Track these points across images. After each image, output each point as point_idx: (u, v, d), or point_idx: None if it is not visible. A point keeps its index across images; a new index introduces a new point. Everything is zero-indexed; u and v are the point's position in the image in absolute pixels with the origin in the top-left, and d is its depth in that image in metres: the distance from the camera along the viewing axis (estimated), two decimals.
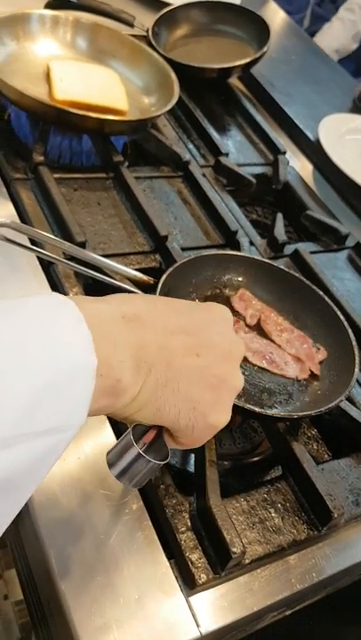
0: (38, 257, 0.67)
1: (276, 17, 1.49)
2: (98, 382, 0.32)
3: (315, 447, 0.63)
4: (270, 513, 0.54)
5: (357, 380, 0.67)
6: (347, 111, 1.20)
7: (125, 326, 0.36)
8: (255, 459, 0.62)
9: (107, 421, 0.56)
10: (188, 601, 0.48)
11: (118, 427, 0.56)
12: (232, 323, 0.45)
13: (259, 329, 0.68)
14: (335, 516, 0.53)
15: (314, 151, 1.05)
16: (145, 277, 0.66)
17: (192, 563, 0.49)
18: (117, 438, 0.55)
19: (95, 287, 0.66)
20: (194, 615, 0.48)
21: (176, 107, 0.98)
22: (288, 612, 0.61)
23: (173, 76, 0.91)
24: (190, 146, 0.94)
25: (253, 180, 0.89)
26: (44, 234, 0.67)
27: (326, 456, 0.63)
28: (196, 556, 0.50)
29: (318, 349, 0.67)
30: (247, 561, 0.51)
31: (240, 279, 0.72)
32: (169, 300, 0.43)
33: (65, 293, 0.64)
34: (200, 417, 0.39)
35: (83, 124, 0.79)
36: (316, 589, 0.57)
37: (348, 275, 0.85)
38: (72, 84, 0.86)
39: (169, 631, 0.46)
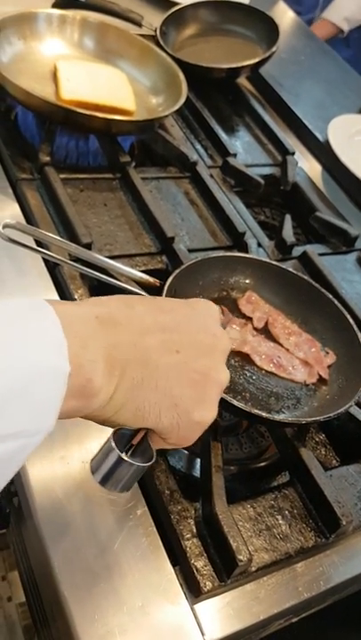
0: (44, 258, 0.66)
1: (286, 17, 1.48)
2: (67, 382, 0.32)
3: (323, 452, 0.62)
4: (277, 520, 0.53)
5: None
6: (357, 112, 1.19)
7: (98, 327, 0.36)
8: (262, 464, 0.61)
9: None
10: (193, 609, 0.47)
11: None
12: (217, 316, 0.44)
13: (266, 332, 0.67)
14: (343, 523, 0.52)
15: (323, 152, 1.04)
16: (151, 279, 0.65)
17: (197, 570, 0.48)
18: None
19: (101, 289, 0.65)
20: (199, 623, 0.47)
21: (184, 107, 0.97)
22: (294, 620, 0.60)
23: (181, 75, 0.90)
24: (198, 146, 0.94)
25: (262, 181, 0.88)
26: (50, 235, 0.66)
27: (335, 462, 0.62)
28: (201, 564, 0.49)
29: (327, 353, 0.66)
30: (253, 568, 0.50)
31: (247, 281, 0.71)
32: (150, 299, 0.43)
33: (70, 295, 0.63)
34: (183, 414, 0.39)
35: (90, 124, 0.78)
36: (324, 597, 0.56)
37: (357, 277, 0.84)
38: (79, 84, 0.85)
39: (173, 639, 0.46)
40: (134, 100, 0.86)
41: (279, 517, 0.53)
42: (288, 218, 0.85)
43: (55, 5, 1.01)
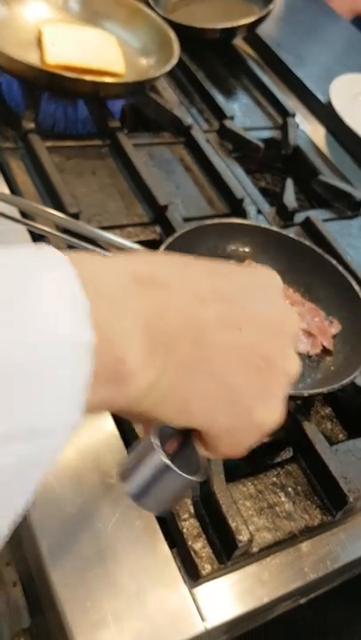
0: (29, 230, 0.63)
1: None
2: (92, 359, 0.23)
3: (329, 427, 0.59)
4: (280, 497, 0.50)
5: None
6: (359, 71, 1.13)
7: (136, 288, 0.26)
8: (264, 440, 0.58)
9: None
10: (191, 593, 0.45)
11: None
12: (282, 288, 0.34)
13: None
14: (350, 500, 0.49)
15: (326, 114, 0.99)
16: (142, 249, 0.61)
17: (195, 552, 0.46)
18: (117, 424, 0.52)
19: None
20: (198, 608, 0.45)
21: (177, 70, 0.92)
22: (302, 601, 0.57)
23: (173, 35, 0.85)
24: (193, 110, 0.89)
25: (261, 145, 0.84)
26: (35, 205, 0.63)
27: (341, 436, 0.58)
28: (199, 545, 0.46)
29: (331, 322, 0.63)
30: (255, 549, 0.47)
31: (246, 249, 0.67)
32: (199, 259, 0.33)
33: None
34: (244, 413, 0.29)
35: (77, 88, 0.74)
36: (332, 578, 0.53)
37: None
38: (65, 48, 0.81)
39: (171, 626, 0.43)
40: (124, 62, 0.82)
41: (282, 495, 0.50)
42: (290, 182, 0.81)
43: None
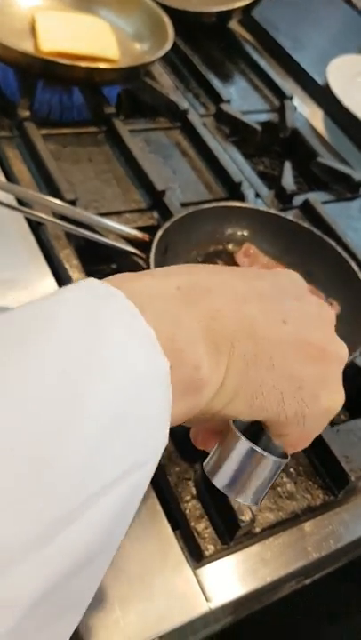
0: (27, 218, 0.63)
1: None
2: (170, 381, 0.24)
3: None
4: (282, 478, 0.50)
5: None
6: (357, 53, 1.12)
7: (184, 297, 0.27)
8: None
9: None
10: (195, 574, 0.45)
11: None
12: (305, 284, 0.35)
13: None
14: (352, 479, 0.49)
15: (323, 96, 0.98)
16: (140, 234, 0.61)
17: (198, 533, 0.46)
18: None
19: (88, 249, 0.62)
20: (202, 589, 0.45)
21: (173, 54, 0.92)
22: (307, 582, 0.58)
23: (167, 19, 0.84)
24: (189, 95, 0.88)
25: (259, 128, 0.83)
26: (32, 192, 0.63)
27: (343, 417, 0.58)
28: (202, 526, 0.46)
29: (331, 304, 0.62)
30: (258, 529, 0.47)
31: (245, 233, 0.67)
32: (228, 267, 0.34)
33: (56, 255, 0.60)
34: (310, 400, 0.30)
35: (71, 74, 0.74)
36: (336, 557, 0.53)
37: None
38: (59, 35, 0.80)
39: (176, 607, 0.44)
40: (118, 48, 0.81)
41: (283, 475, 0.50)
42: (288, 165, 0.80)
43: None
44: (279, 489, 0.50)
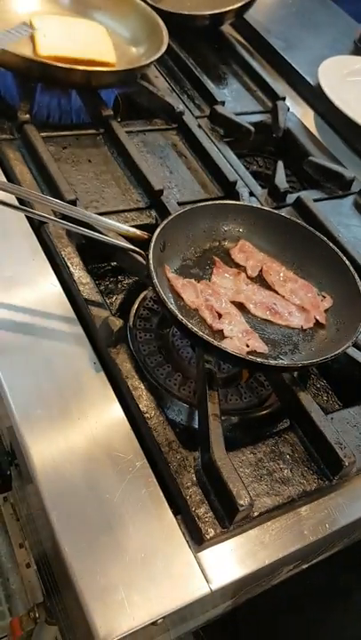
0: (28, 218, 0.64)
1: None
2: None
3: (325, 398, 0.61)
4: (278, 464, 0.52)
5: None
6: (348, 54, 1.14)
7: None
8: (262, 412, 0.60)
9: (107, 383, 0.55)
10: (196, 557, 0.47)
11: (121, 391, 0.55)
12: None
13: (261, 280, 0.65)
14: (346, 464, 0.51)
15: (315, 96, 1.00)
16: (139, 232, 0.63)
17: (199, 517, 0.48)
18: (120, 400, 0.54)
19: (88, 246, 0.64)
20: (203, 571, 0.47)
21: (168, 58, 0.94)
22: (305, 566, 0.59)
23: (162, 23, 0.86)
24: (184, 97, 0.90)
25: (252, 128, 0.85)
26: (33, 192, 0.64)
27: (337, 406, 0.60)
28: (202, 511, 0.48)
29: (324, 297, 0.64)
30: (256, 514, 0.49)
31: (240, 230, 0.69)
32: None
33: (57, 253, 0.62)
34: None
35: (69, 78, 0.76)
36: (332, 541, 0.55)
37: (354, 221, 0.81)
38: (56, 40, 0.82)
39: (178, 589, 0.45)
40: (114, 52, 0.83)
41: (280, 462, 0.52)
42: (280, 164, 0.83)
43: None
44: (276, 475, 0.52)
